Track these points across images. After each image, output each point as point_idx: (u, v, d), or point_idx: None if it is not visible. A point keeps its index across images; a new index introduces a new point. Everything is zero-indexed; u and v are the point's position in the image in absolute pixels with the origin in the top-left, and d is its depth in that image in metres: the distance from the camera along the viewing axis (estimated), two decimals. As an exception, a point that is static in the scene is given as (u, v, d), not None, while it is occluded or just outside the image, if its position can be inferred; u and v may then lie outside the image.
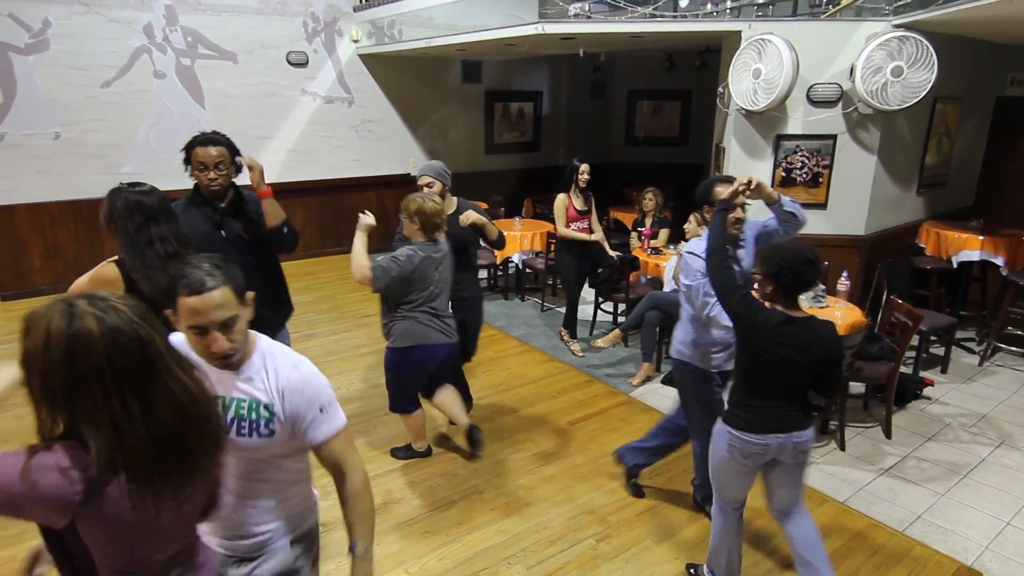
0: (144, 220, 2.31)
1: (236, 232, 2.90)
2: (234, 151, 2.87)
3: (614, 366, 5.10)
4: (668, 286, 4.85)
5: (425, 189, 3.61)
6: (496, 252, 5.87)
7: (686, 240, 5.12)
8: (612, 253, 5.52)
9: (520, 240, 6.38)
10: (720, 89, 5.26)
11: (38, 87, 6.28)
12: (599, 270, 5.36)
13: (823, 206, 4.98)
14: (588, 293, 5.66)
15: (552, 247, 6.25)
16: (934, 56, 4.24)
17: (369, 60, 8.16)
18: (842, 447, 3.95)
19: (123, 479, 1.16)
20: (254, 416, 1.60)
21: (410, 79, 8.57)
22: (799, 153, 4.92)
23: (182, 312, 1.46)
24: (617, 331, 4.88)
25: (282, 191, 7.69)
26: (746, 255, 2.90)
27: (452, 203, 3.75)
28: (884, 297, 5.04)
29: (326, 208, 8.08)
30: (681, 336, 3.02)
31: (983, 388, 4.80)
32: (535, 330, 5.90)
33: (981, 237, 5.35)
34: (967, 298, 6.04)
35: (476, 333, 4.01)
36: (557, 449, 3.92)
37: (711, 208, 2.72)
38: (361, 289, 4.56)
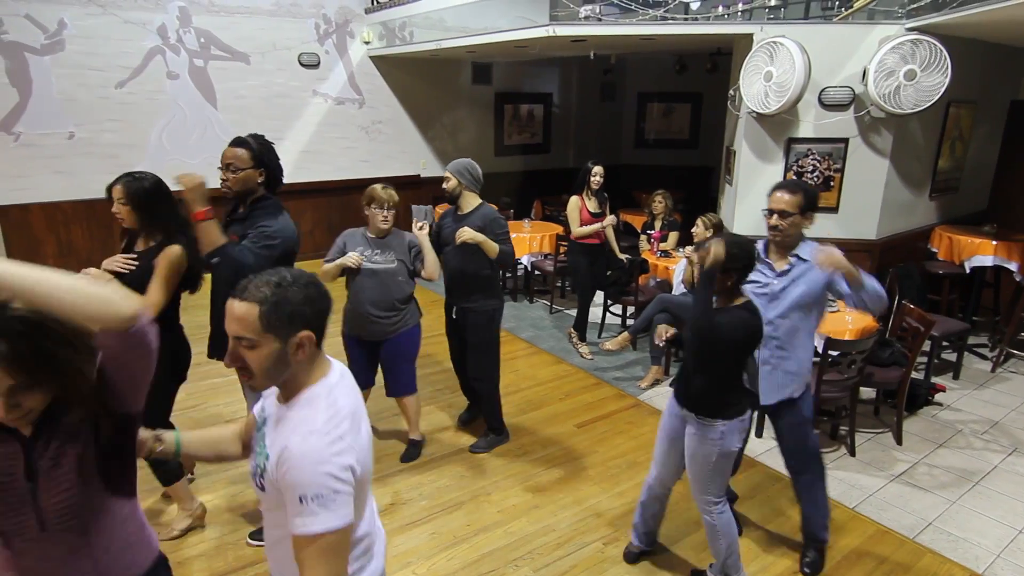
0: (174, 202, 2.70)
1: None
2: (256, 158, 2.74)
3: (623, 369, 5.10)
4: (677, 289, 4.84)
5: (444, 184, 3.65)
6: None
7: (695, 244, 5.10)
8: (621, 256, 5.51)
9: (529, 242, 6.38)
10: (731, 92, 5.24)
11: (53, 87, 6.35)
12: (608, 272, 5.35)
13: (835, 210, 4.96)
14: (597, 295, 5.65)
15: (561, 249, 6.26)
16: (948, 60, 4.21)
17: (380, 62, 8.20)
18: (852, 453, 3.92)
19: None
20: (257, 461, 1.44)
21: (420, 81, 8.60)
22: (810, 156, 4.90)
23: None
24: (626, 334, 4.87)
25: (293, 192, 7.79)
26: (794, 293, 2.68)
27: (470, 203, 3.59)
28: (896, 302, 5.00)
29: (336, 209, 8.11)
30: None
31: (995, 394, 4.76)
32: (544, 332, 5.90)
33: (994, 242, 5.30)
34: (980, 303, 5.98)
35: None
36: (565, 452, 3.92)
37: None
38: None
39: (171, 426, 2.35)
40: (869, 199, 4.91)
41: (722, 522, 2.64)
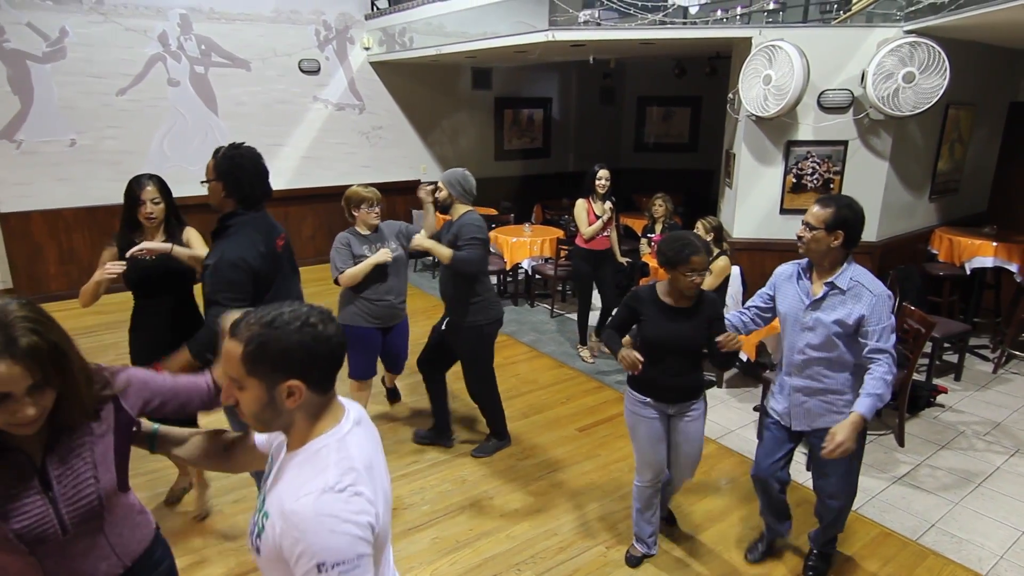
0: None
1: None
2: (216, 169, 2.52)
3: (624, 372, 5.09)
4: None
5: (436, 193, 3.67)
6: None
7: None
8: (622, 259, 5.52)
9: (530, 246, 6.39)
10: (730, 95, 5.26)
11: (55, 95, 6.38)
12: (616, 286, 5.32)
13: (834, 212, 4.96)
14: (597, 299, 5.65)
15: (562, 253, 6.26)
16: (946, 62, 4.22)
17: (380, 67, 8.23)
18: (854, 455, 3.92)
19: None
20: (256, 518, 1.28)
21: (420, 86, 8.63)
22: (810, 159, 4.91)
23: None
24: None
25: (294, 197, 7.82)
26: (825, 324, 2.53)
27: (459, 213, 3.62)
28: (896, 304, 5.00)
29: (337, 214, 8.03)
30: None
31: (997, 396, 4.75)
32: (545, 336, 5.90)
33: (995, 243, 5.31)
34: (980, 305, 5.98)
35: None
36: (567, 455, 3.92)
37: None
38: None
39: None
40: (869, 201, 4.91)
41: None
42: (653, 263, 5.56)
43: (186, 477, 3.41)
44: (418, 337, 4.07)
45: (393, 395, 4.32)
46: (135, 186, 2.84)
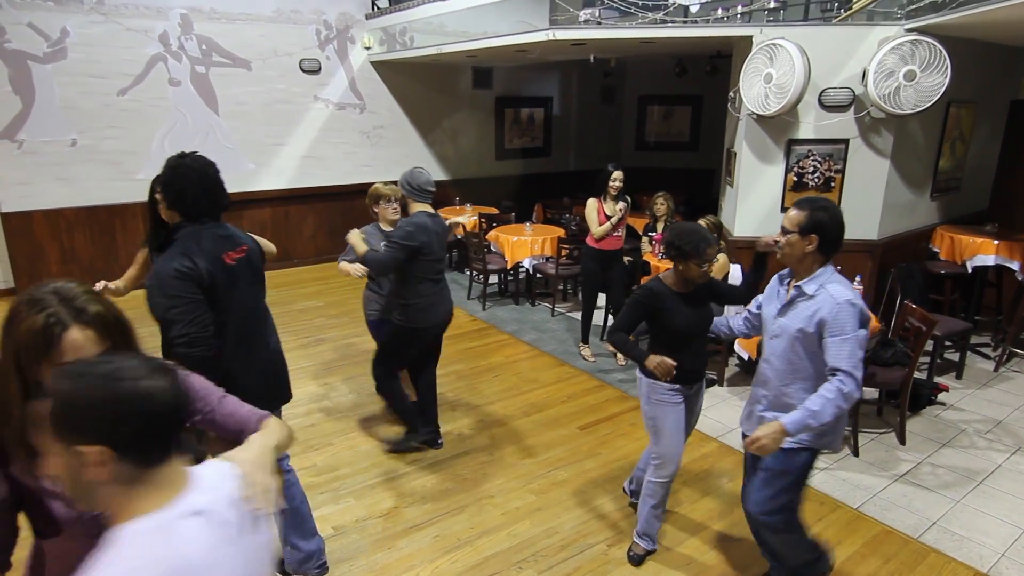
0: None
1: None
2: (161, 179, 2.49)
3: (625, 371, 5.10)
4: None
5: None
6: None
7: None
8: (624, 258, 5.52)
9: (531, 245, 6.39)
10: (731, 94, 5.25)
11: (56, 95, 6.38)
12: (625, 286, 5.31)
13: (835, 211, 4.96)
14: (600, 298, 5.65)
15: (563, 252, 6.27)
16: (947, 60, 4.22)
17: (381, 67, 8.23)
18: (856, 453, 3.92)
19: None
20: None
21: (421, 85, 8.63)
22: (811, 158, 4.90)
23: None
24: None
25: (295, 197, 7.82)
26: (788, 331, 2.41)
27: (410, 211, 3.58)
28: (898, 302, 5.00)
29: (338, 214, 8.13)
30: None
31: (999, 394, 4.75)
32: (545, 335, 5.91)
33: (996, 242, 5.30)
34: (982, 303, 5.98)
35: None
36: (568, 454, 3.92)
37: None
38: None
39: None
40: (870, 200, 4.92)
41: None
42: (655, 262, 5.56)
43: None
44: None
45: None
46: (153, 186, 2.72)
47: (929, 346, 4.51)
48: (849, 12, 4.72)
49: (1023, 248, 5.29)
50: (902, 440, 4.05)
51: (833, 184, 4.91)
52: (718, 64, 8.28)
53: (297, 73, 7.68)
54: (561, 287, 6.85)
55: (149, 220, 2.79)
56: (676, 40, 5.48)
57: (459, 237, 6.65)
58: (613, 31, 5.34)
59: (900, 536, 3.20)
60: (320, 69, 7.82)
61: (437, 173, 9.03)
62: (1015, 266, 5.29)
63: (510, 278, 7.12)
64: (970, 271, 5.44)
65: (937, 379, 4.77)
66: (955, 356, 5.10)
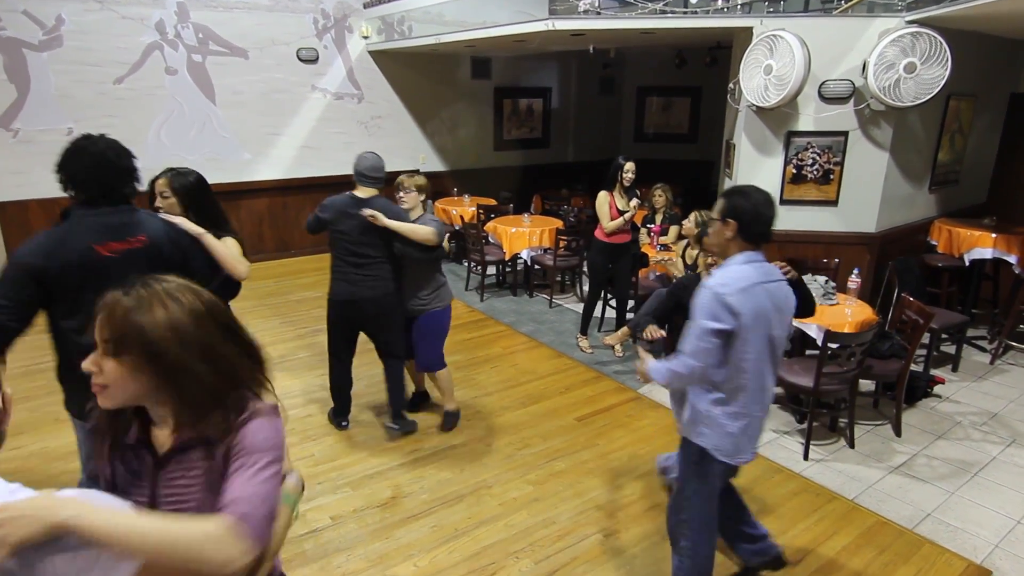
0: (209, 194, 2.77)
1: None
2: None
3: (623, 363, 5.10)
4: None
5: None
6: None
7: (682, 238, 5.09)
8: (632, 251, 5.51)
9: (529, 236, 6.38)
10: (731, 85, 5.24)
11: (51, 83, 6.34)
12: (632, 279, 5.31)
13: (834, 203, 4.96)
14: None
15: (561, 243, 6.26)
16: (948, 52, 4.21)
17: (379, 56, 8.18)
18: (851, 445, 3.94)
19: None
20: None
21: (419, 75, 8.59)
22: (810, 150, 4.90)
23: None
24: (625, 328, 4.87)
25: (292, 187, 7.79)
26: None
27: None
28: (895, 295, 5.01)
29: (336, 204, 8.10)
30: None
31: (994, 386, 4.77)
32: (543, 326, 5.91)
33: (994, 235, 5.31)
34: (979, 296, 5.99)
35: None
36: (565, 445, 3.93)
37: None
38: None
39: None
40: (869, 192, 4.92)
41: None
42: (653, 253, 5.56)
43: None
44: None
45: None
46: (153, 178, 2.78)
47: (926, 339, 4.53)
48: (850, 4, 4.70)
49: (1020, 241, 5.29)
50: (898, 432, 4.07)
51: (832, 176, 4.91)
52: (717, 55, 8.24)
53: (294, 62, 7.63)
54: (559, 278, 6.85)
55: (187, 215, 2.76)
56: (676, 31, 5.46)
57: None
58: (613, 21, 5.31)
59: (895, 527, 3.22)
60: (318, 58, 7.78)
61: (436, 164, 9.01)
62: (1012, 259, 5.31)
63: (508, 269, 7.12)
64: (967, 264, 5.45)
65: (933, 371, 4.79)
66: (951, 349, 5.12)
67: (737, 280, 2.17)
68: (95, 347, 1.18)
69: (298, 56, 7.64)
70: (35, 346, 2.34)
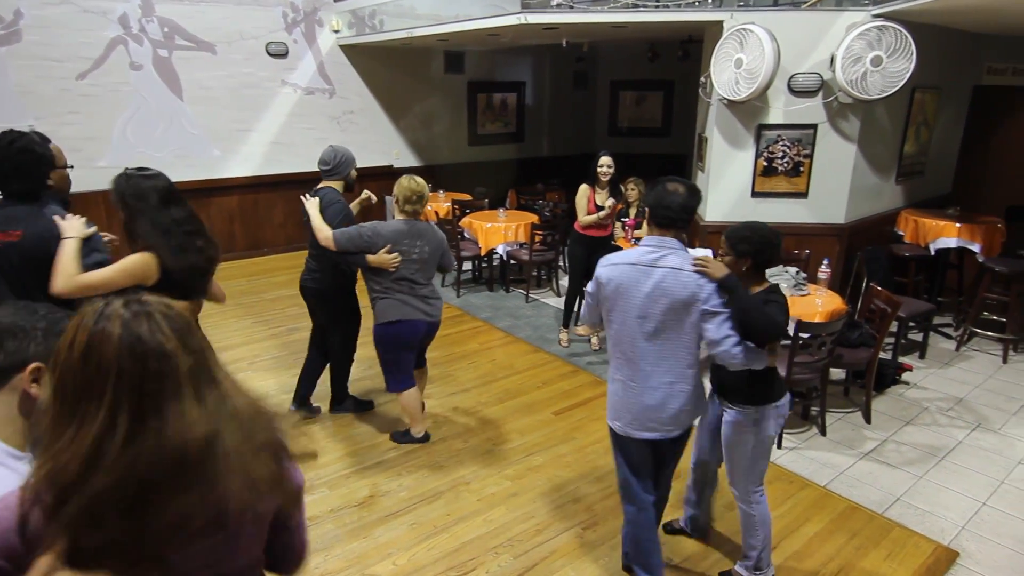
0: (160, 202, 2.48)
1: None
2: None
3: (598, 355, 5.13)
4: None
5: None
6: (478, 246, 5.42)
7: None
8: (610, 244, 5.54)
9: (504, 231, 6.38)
10: (702, 79, 5.28)
11: (11, 80, 6.15)
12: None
13: (804, 195, 5.03)
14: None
15: (536, 238, 6.27)
16: (912, 46, 4.29)
17: (350, 51, 8.08)
18: (823, 432, 4.01)
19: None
20: None
21: (392, 70, 8.51)
22: (780, 143, 4.96)
23: None
24: None
25: (263, 184, 7.68)
26: None
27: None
28: (864, 284, 5.11)
29: (309, 201, 8.00)
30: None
31: (960, 372, 4.89)
32: (520, 321, 5.91)
33: (958, 224, 5.44)
34: (944, 284, 6.14)
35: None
36: (543, 439, 3.94)
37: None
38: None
39: None
40: (838, 184, 5.00)
41: (760, 512, 2.67)
42: (627, 246, 5.59)
43: None
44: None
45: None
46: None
47: (894, 327, 4.62)
48: (817, -3, 4.76)
49: (984, 231, 5.43)
50: (868, 419, 4.16)
51: (802, 169, 4.98)
52: (689, 49, 8.30)
53: (264, 57, 7.50)
54: (535, 273, 6.86)
55: (155, 211, 2.63)
56: (648, 25, 5.48)
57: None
58: (585, 15, 5.31)
59: (866, 512, 3.29)
60: (287, 53, 7.66)
61: (410, 159, 8.94)
62: (976, 248, 5.44)
63: (484, 265, 7.11)
64: (933, 253, 5.57)
65: (901, 359, 4.90)
66: (919, 337, 5.24)
67: (618, 257, 2.46)
68: None
69: (267, 50, 7.51)
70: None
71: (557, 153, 10.43)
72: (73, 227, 2.46)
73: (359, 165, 3.94)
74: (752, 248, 2.47)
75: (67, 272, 2.38)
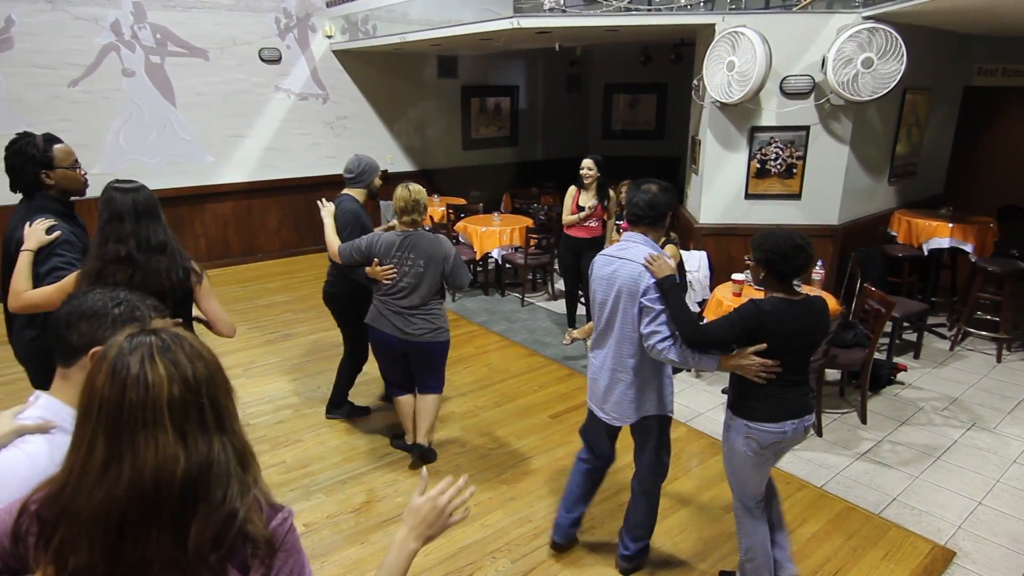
0: (110, 217, 2.32)
1: None
2: None
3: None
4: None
5: None
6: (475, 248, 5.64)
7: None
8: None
9: (499, 235, 6.37)
10: (695, 82, 5.29)
11: (2, 87, 6.13)
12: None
13: (797, 197, 5.05)
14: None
15: (531, 242, 6.27)
16: (903, 47, 4.31)
17: (343, 56, 8.08)
18: (819, 433, 4.02)
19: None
20: None
21: (385, 75, 8.51)
22: (773, 145, 4.98)
23: None
24: (591, 323, 4.90)
25: (257, 190, 7.66)
26: None
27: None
28: (858, 285, 5.13)
29: (302, 206, 7.99)
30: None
31: (954, 372, 4.91)
32: (516, 325, 5.91)
33: (951, 224, 5.46)
34: (938, 284, 6.16)
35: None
36: (540, 443, 3.94)
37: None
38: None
39: None
40: (830, 185, 5.02)
41: (742, 527, 2.63)
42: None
43: None
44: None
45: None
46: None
47: (888, 327, 4.64)
48: (809, 0, 4.79)
49: (976, 230, 5.46)
50: (863, 419, 4.17)
51: (795, 171, 5.00)
52: (682, 52, 8.33)
53: (257, 63, 7.50)
54: (530, 277, 6.85)
55: (103, 223, 2.64)
56: (641, 28, 5.50)
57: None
58: (577, 19, 5.33)
59: (862, 512, 3.29)
60: (280, 58, 7.65)
61: (404, 164, 8.94)
62: (969, 248, 5.46)
63: (479, 269, 7.10)
64: (926, 253, 5.60)
65: (896, 359, 4.92)
66: (913, 337, 5.26)
67: (605, 250, 2.73)
68: None
69: (260, 56, 7.50)
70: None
71: (551, 156, 10.45)
72: (32, 235, 2.38)
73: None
74: (763, 256, 2.38)
75: (15, 290, 2.33)
